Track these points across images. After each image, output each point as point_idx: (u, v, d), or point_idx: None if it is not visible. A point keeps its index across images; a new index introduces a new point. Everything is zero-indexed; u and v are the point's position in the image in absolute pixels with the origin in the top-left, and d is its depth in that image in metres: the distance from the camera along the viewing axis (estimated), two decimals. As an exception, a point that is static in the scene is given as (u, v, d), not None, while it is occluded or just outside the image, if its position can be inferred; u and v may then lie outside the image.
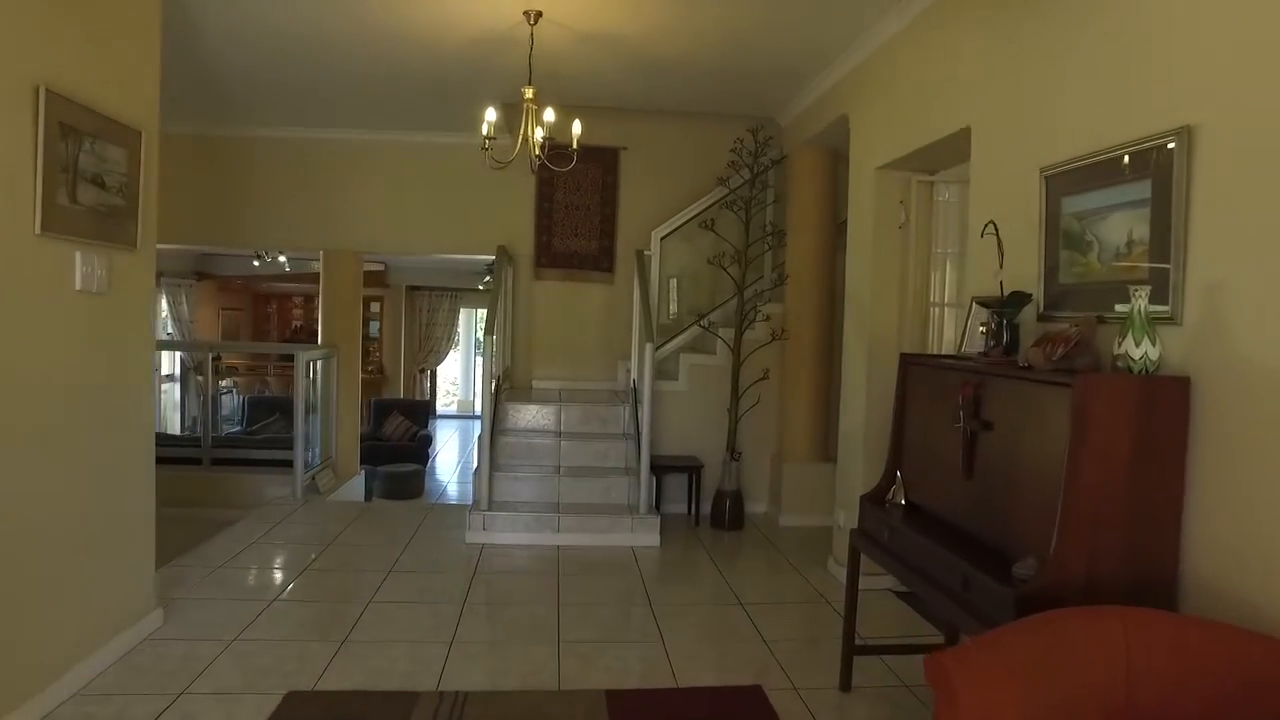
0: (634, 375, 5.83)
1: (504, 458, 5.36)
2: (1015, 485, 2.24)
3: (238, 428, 10.29)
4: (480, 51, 4.60)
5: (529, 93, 3.99)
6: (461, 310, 15.26)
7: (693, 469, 5.61)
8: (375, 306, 14.06)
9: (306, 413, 6.78)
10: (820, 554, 4.77)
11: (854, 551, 2.96)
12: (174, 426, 11.48)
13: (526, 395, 6.11)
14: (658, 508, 5.33)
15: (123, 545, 3.25)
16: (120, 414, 3.20)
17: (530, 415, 5.63)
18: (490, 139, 4.06)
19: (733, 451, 5.50)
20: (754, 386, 5.68)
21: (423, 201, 6.55)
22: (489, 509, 4.90)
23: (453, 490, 10.03)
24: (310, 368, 6.66)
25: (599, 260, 6.64)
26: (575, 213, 6.61)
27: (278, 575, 4.25)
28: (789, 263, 5.68)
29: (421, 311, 14.77)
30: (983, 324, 2.71)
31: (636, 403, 5.31)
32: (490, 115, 4.05)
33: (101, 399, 3.07)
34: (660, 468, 5.50)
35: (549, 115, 3.95)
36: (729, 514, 5.44)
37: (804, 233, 5.58)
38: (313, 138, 6.45)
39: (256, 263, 9.69)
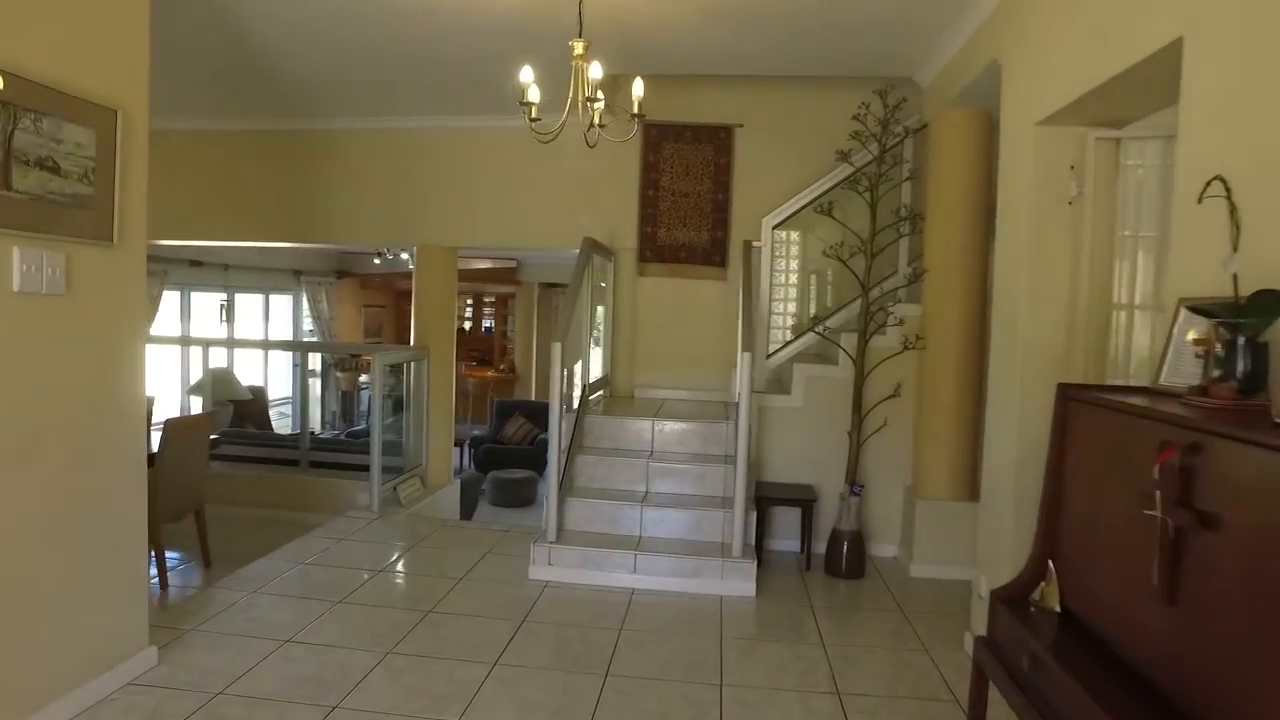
0: (737, 387, 4.99)
1: (582, 480, 4.69)
2: (1267, 638, 1.26)
3: (362, 425, 10.32)
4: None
5: (578, 47, 3.26)
6: (600, 308, 14.85)
7: (806, 502, 4.70)
8: (501, 304, 13.93)
9: (407, 415, 6.45)
10: (957, 623, 3.74)
11: (978, 674, 2.02)
12: (314, 423, 11.81)
13: (622, 406, 5.42)
14: (760, 546, 4.48)
15: (102, 583, 2.84)
16: (97, 435, 2.78)
17: (617, 430, 4.93)
18: (530, 104, 3.36)
19: (853, 483, 4.54)
20: (882, 405, 4.69)
21: (516, 191, 6.01)
22: (556, 541, 4.25)
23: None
24: (406, 370, 6.32)
25: (710, 253, 5.84)
26: (683, 200, 5.85)
27: (303, 610, 3.78)
28: (928, 254, 4.63)
29: (556, 310, 14.50)
30: (1198, 342, 1.70)
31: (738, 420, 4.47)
32: (526, 75, 3.35)
33: (68, 419, 2.65)
34: (767, 499, 4.65)
35: (596, 72, 3.20)
36: (847, 559, 4.49)
37: (948, 217, 4.50)
38: (401, 127, 6.08)
39: (377, 260, 9.64)
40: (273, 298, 11.06)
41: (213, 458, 6.82)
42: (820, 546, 4.66)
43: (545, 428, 11.04)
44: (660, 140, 5.85)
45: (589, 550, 4.20)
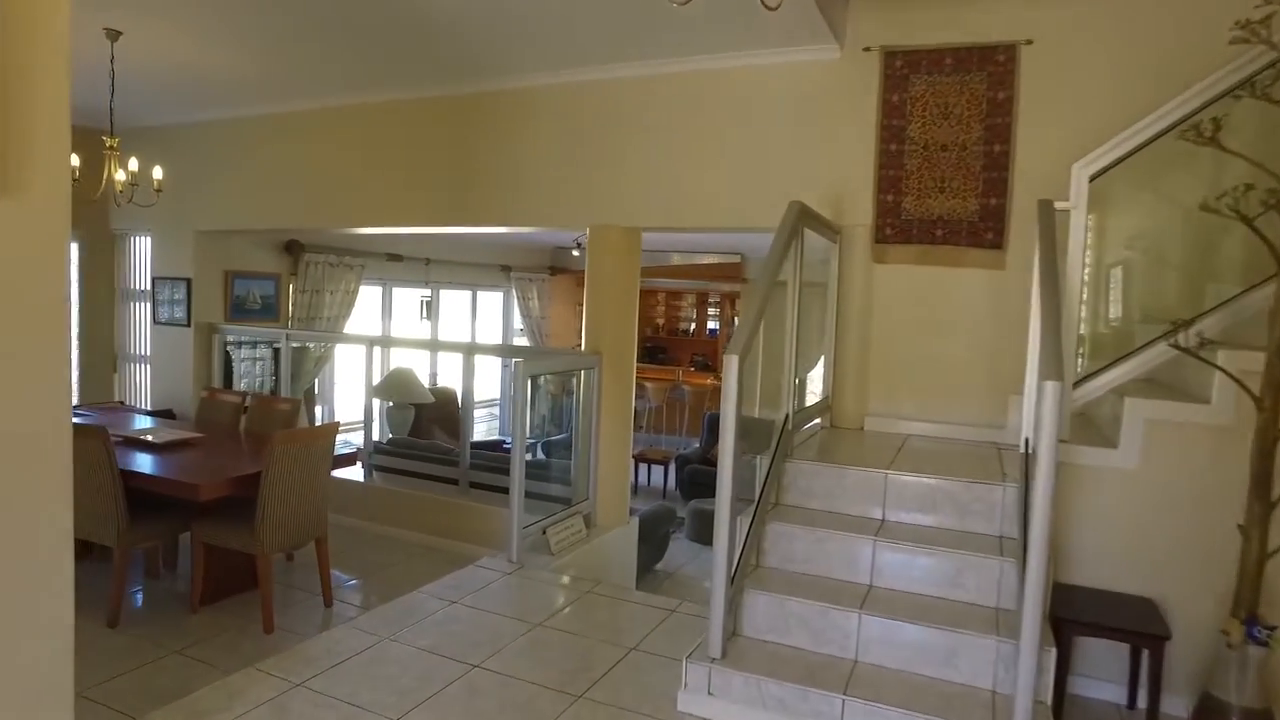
0: (1027, 430, 3.20)
1: (773, 558, 3.17)
2: None
3: (563, 435, 9.43)
4: None
5: None
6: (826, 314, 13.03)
7: (1149, 637, 2.81)
8: (727, 303, 12.58)
9: (574, 437, 5.31)
10: None
11: None
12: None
13: (844, 445, 3.83)
14: (1060, 692, 2.70)
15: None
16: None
17: (833, 484, 3.35)
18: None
19: (1252, 620, 2.58)
20: (1307, 478, 2.67)
21: (710, 156, 4.60)
22: (722, 659, 2.77)
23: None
24: (580, 379, 5.16)
25: (979, 229, 4.05)
26: (940, 156, 4.11)
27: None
28: None
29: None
30: None
31: (1028, 484, 2.69)
32: None
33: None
34: (1071, 621, 2.84)
35: None
36: (1233, 748, 2.55)
37: None
38: (567, 82, 4.91)
39: (576, 252, 8.71)
40: (480, 294, 10.59)
41: (376, 469, 6.18)
42: (1176, 707, 2.75)
43: (761, 435, 9.53)
44: (907, 72, 4.15)
45: (772, 684, 2.67)
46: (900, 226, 4.22)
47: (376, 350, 8.16)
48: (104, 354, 7.26)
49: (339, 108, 5.74)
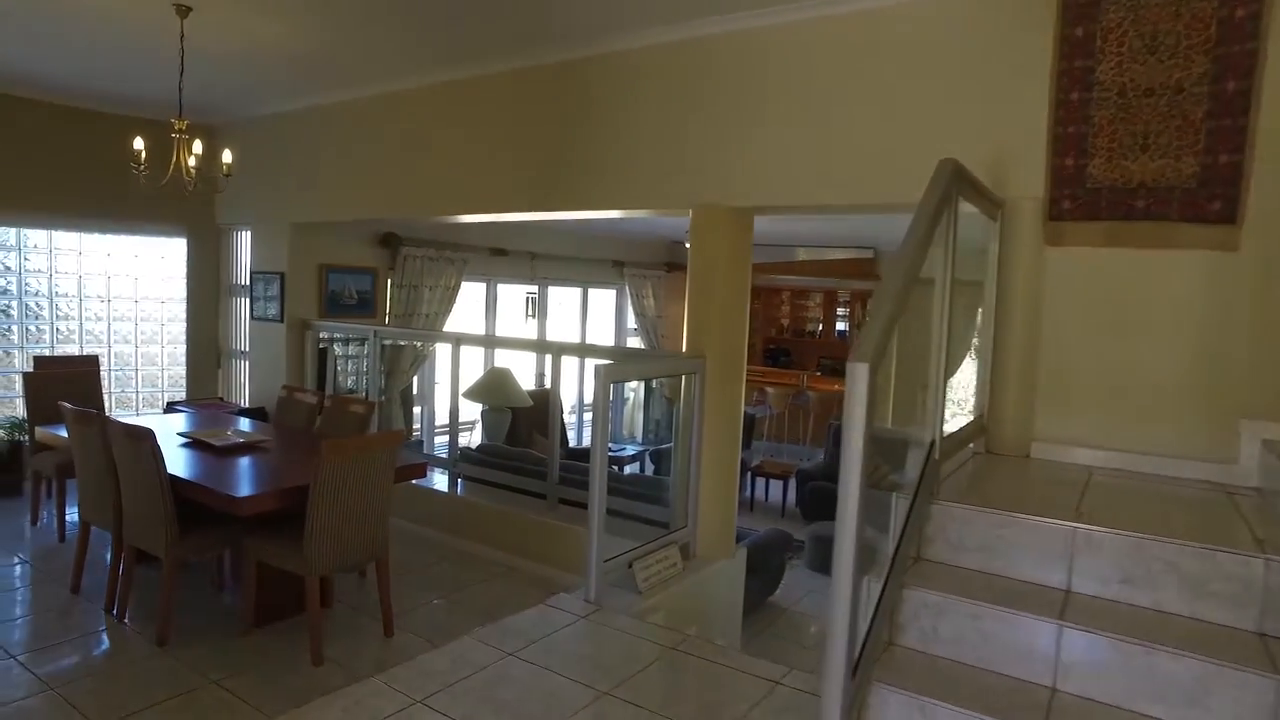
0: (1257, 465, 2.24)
1: (910, 635, 2.36)
2: None
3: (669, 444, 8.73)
4: None
5: None
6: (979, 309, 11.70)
7: None
8: (858, 302, 11.54)
9: (673, 452, 4.61)
10: None
11: None
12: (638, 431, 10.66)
13: (1006, 479, 2.96)
14: None
15: None
16: None
17: (990, 535, 2.49)
18: None
19: None
20: None
21: (840, 117, 3.79)
22: (836, 783, 1.99)
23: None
24: (687, 384, 4.47)
25: (1199, 198, 3.06)
26: (1143, 103, 3.14)
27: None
28: None
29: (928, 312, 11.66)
30: None
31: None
32: None
33: None
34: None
35: None
36: None
37: None
38: (668, 41, 4.23)
39: (688, 245, 7.96)
40: (592, 293, 10.07)
41: (465, 478, 5.72)
42: None
43: (896, 467, 8.45)
44: (1097, -3, 3.20)
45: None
46: (1084, 198, 3.26)
47: (478, 351, 7.78)
48: (209, 350, 7.20)
49: (430, 86, 5.30)
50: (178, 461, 3.94)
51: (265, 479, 3.83)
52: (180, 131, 4.23)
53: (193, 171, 4.28)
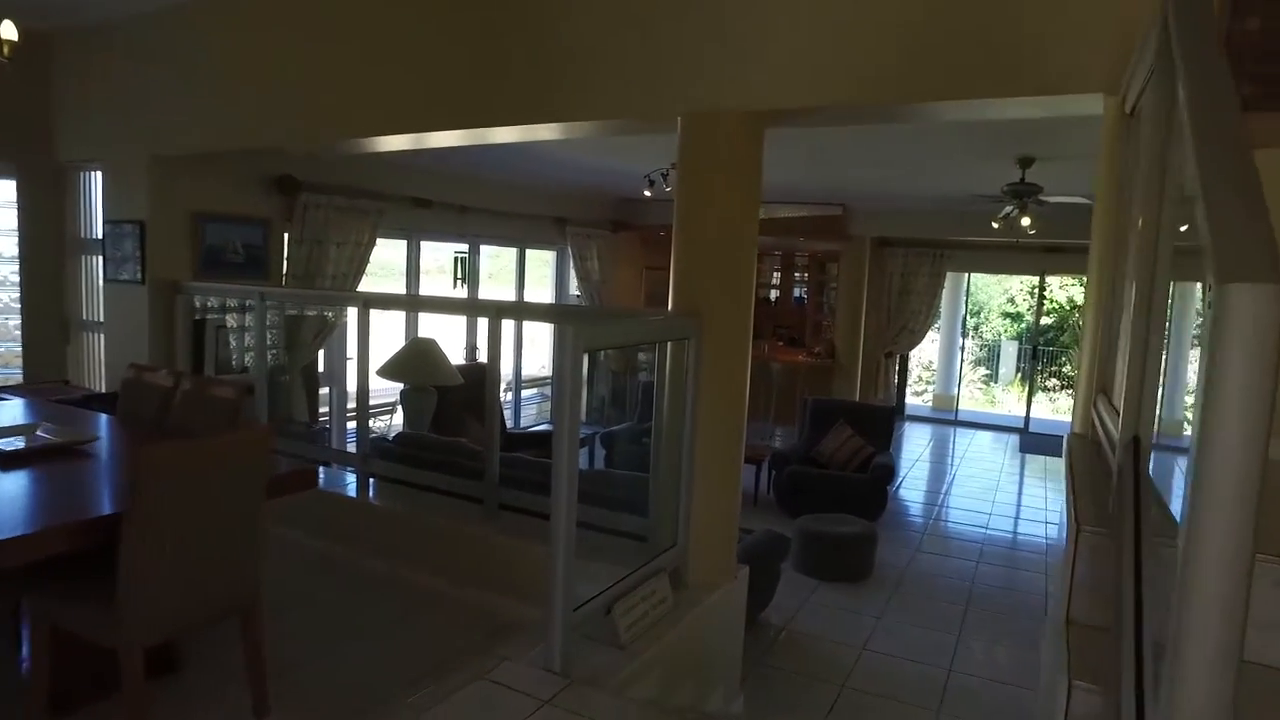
0: None
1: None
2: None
3: (626, 424, 7.63)
4: None
5: None
6: (949, 274, 10.94)
7: None
8: (817, 266, 10.61)
9: (655, 449, 3.55)
10: None
11: None
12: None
13: None
14: None
15: None
16: None
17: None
18: None
19: None
20: None
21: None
22: None
23: (924, 565, 6.03)
24: (675, 353, 3.35)
25: None
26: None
27: None
28: None
29: (893, 276, 10.82)
30: None
31: None
32: None
33: None
34: None
35: None
36: None
37: None
38: None
39: (648, 192, 6.85)
40: (530, 253, 8.85)
41: (378, 477, 4.52)
42: None
43: (882, 444, 7.53)
44: None
45: None
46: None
47: (398, 319, 6.54)
48: (52, 321, 5.74)
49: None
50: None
51: (57, 504, 2.58)
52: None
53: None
